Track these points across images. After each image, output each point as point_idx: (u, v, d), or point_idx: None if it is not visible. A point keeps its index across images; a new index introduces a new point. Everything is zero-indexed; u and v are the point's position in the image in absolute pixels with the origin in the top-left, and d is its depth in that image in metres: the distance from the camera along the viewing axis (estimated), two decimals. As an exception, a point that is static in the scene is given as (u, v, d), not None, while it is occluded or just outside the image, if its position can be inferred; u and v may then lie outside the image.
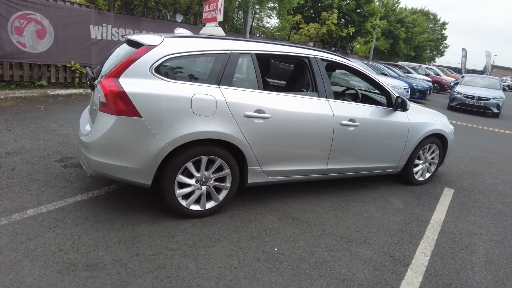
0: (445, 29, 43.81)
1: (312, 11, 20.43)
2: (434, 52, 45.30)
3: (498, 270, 2.65)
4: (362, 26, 20.20)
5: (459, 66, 43.64)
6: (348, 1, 19.48)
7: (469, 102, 12.39)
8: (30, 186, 3.11)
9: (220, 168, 2.86)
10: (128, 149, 2.53)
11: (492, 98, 12.07)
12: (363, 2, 19.50)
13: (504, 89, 13.62)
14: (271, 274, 2.30)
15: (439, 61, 51.34)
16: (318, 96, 3.24)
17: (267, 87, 3.52)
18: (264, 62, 3.64)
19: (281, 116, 2.96)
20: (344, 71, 4.33)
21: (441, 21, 43.57)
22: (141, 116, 2.46)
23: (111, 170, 2.58)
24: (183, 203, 2.79)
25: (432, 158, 4.31)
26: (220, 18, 3.09)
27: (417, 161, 4.16)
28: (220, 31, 3.10)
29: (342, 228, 3.02)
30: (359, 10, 19.98)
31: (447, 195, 4.10)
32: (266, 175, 3.08)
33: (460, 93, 12.67)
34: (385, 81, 3.44)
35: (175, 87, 2.60)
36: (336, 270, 2.43)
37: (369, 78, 3.66)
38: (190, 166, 2.71)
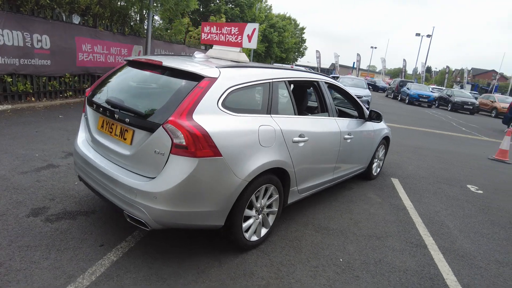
0: (303, 33, 50.62)
1: (200, 14, 20.47)
2: (296, 54, 51.72)
3: (468, 230, 3.65)
4: (247, 31, 21.53)
5: (316, 65, 51.32)
6: (233, 6, 20.38)
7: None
8: (28, 257, 2.41)
9: (270, 195, 2.91)
10: (207, 192, 2.33)
11: (364, 96, 14.95)
12: (246, 8, 20.78)
13: (369, 88, 16.99)
14: (359, 282, 2.58)
15: (300, 61, 58.84)
16: (329, 116, 3.63)
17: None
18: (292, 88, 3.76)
19: (312, 137, 3.21)
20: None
21: (300, 26, 50.06)
22: (221, 155, 2.31)
23: (184, 219, 2.33)
24: (246, 236, 2.74)
25: (381, 156, 5.31)
26: (253, 45, 3.03)
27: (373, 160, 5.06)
28: (245, 57, 3.09)
29: (364, 228, 3.52)
30: (242, 15, 21.19)
31: (397, 184, 5.14)
32: (299, 193, 3.29)
33: (339, 93, 15.18)
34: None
35: (243, 120, 2.53)
36: (392, 264, 2.89)
37: (350, 96, 4.29)
38: (253, 198, 2.69)
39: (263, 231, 2.94)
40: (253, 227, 2.79)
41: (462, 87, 43.34)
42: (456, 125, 14.53)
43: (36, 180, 3.66)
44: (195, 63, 2.64)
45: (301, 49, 52.57)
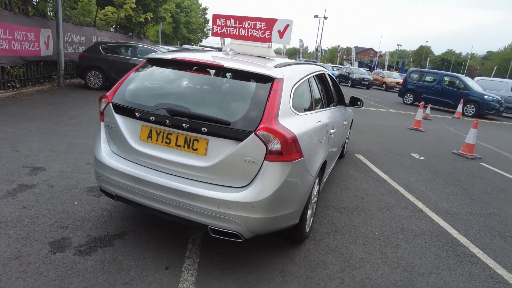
0: (206, 13, 49.46)
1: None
2: (201, 34, 50.48)
3: (437, 192, 4.47)
4: (157, 11, 20.03)
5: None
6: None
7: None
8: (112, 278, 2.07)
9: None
10: (293, 194, 2.35)
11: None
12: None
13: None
14: (402, 250, 2.99)
15: (207, 42, 57.67)
16: (334, 105, 3.88)
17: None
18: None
19: (336, 127, 3.44)
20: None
21: (202, 6, 48.70)
22: (303, 157, 2.34)
23: (275, 224, 2.32)
24: (306, 228, 2.85)
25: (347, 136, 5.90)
26: (286, 42, 2.91)
27: (344, 140, 5.60)
28: (273, 52, 3.06)
29: (370, 203, 3.97)
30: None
31: (363, 159, 5.82)
32: (324, 180, 3.51)
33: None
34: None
35: (306, 119, 2.57)
36: (412, 229, 3.40)
37: (335, 83, 4.62)
38: (312, 191, 2.79)
39: (311, 221, 3.09)
40: (308, 219, 2.91)
41: (351, 64, 49.29)
42: (366, 101, 16.66)
43: (22, 207, 2.99)
44: (256, 64, 2.53)
45: (205, 29, 51.53)
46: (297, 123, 2.38)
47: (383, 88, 25.74)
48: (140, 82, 2.60)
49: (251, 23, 3.07)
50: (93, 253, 2.48)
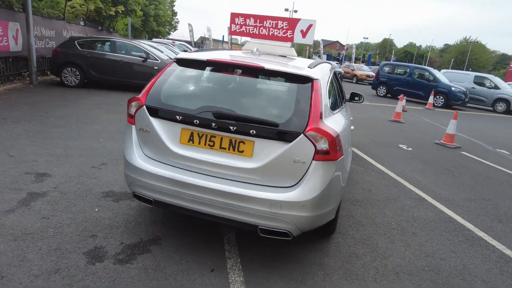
0: (173, 5, 48.04)
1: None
2: (169, 27, 49.04)
3: (434, 181, 4.78)
4: (127, 4, 19.21)
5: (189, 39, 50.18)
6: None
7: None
8: None
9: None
10: (336, 190, 2.43)
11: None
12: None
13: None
14: (419, 237, 3.19)
15: (174, 35, 56.13)
16: (343, 102, 4.01)
17: None
18: None
19: (352, 124, 3.56)
20: None
21: (169, -2, 47.22)
22: (344, 155, 2.43)
23: (320, 220, 2.40)
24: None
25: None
26: (309, 41, 2.92)
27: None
28: (294, 51, 3.11)
29: (378, 194, 4.17)
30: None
31: (359, 152, 6.05)
32: None
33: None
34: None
35: (339, 117, 2.67)
36: (422, 217, 3.63)
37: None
38: None
39: (334, 215, 3.21)
40: (337, 213, 3.02)
41: (319, 57, 50.31)
42: (340, 93, 17.14)
43: (41, 217, 2.84)
44: (291, 64, 2.57)
45: (173, 22, 50.09)
46: (335, 122, 2.47)
47: (354, 81, 26.58)
48: (175, 84, 2.55)
49: (273, 23, 3.08)
50: (133, 261, 2.43)
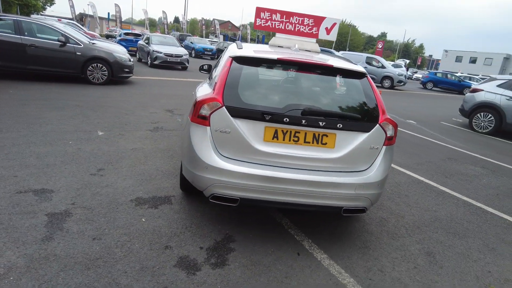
0: (43, -26, 40.33)
1: None
2: (44, 1, 41.32)
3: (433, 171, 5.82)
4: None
5: (70, 16, 43.57)
6: None
7: (169, 59, 14.84)
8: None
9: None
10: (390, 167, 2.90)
11: (183, 54, 15.25)
12: None
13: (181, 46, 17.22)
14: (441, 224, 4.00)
15: (52, 11, 47.53)
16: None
17: None
18: None
19: None
20: None
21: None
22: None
23: (382, 194, 2.83)
24: None
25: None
26: (333, 38, 3.06)
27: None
28: (318, 47, 3.38)
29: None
30: None
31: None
32: None
33: (160, 52, 14.69)
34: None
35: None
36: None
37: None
38: None
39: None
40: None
41: (216, 36, 50.14)
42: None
43: (92, 238, 2.53)
44: (343, 61, 2.85)
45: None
46: None
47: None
48: (249, 84, 2.55)
49: (299, 19, 3.25)
50: (227, 262, 2.46)
